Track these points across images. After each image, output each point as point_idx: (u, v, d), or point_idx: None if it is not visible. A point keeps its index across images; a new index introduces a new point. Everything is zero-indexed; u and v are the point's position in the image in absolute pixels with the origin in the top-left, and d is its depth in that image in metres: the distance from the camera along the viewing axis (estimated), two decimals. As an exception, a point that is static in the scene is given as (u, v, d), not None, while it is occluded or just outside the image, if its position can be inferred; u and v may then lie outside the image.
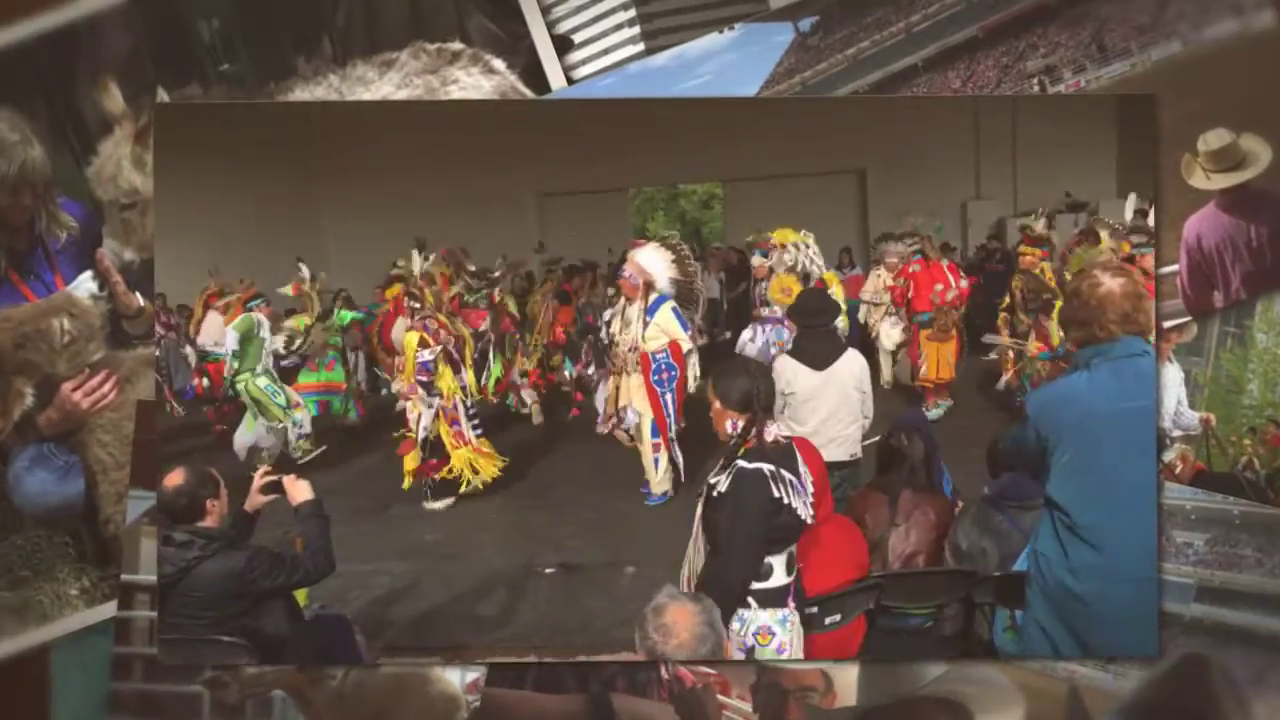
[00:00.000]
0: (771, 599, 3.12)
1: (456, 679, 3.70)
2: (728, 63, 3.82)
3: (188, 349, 8.31)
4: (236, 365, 7.29)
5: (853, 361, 4.94)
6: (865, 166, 9.65)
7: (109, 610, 3.71)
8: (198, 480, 3.61)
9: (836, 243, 8.68)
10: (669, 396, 6.49)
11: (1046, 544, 3.14)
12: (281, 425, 7.35)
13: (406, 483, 6.72)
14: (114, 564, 3.71)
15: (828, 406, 4.83)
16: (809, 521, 3.14)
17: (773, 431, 3.12)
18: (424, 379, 6.60)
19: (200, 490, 3.59)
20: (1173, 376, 3.74)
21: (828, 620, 3.61)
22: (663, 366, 6.52)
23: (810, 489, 3.13)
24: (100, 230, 3.75)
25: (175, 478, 3.60)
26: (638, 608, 2.79)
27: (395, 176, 8.99)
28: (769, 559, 3.10)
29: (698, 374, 6.65)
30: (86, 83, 3.71)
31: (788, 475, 3.05)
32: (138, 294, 3.74)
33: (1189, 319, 3.74)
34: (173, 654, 3.60)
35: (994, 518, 3.84)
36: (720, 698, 3.65)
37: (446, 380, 6.63)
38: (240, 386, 7.30)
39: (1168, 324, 3.73)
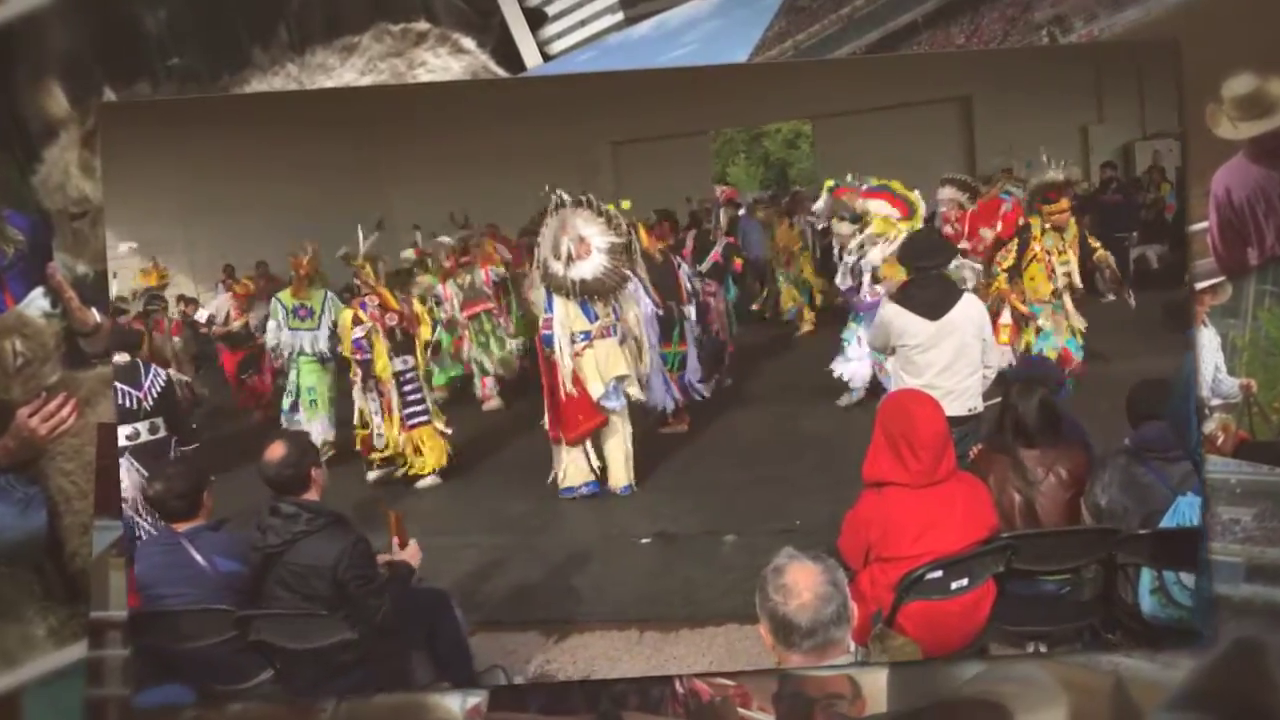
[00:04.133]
0: None
1: (456, 705, 3.51)
2: (713, 30, 3.62)
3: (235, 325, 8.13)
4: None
5: (970, 306, 4.58)
6: (971, 93, 9.00)
7: (79, 651, 3.50)
8: (301, 449, 3.56)
9: (940, 179, 8.15)
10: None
11: None
12: None
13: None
14: (82, 600, 3.51)
15: (944, 358, 4.48)
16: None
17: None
18: (359, 358, 6.44)
19: (305, 458, 3.52)
20: (1209, 341, 3.57)
21: (954, 585, 3.39)
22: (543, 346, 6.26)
23: None
24: (50, 243, 3.60)
25: (278, 449, 3.50)
26: (739, 577, 2.66)
27: (455, 135, 8.56)
28: None
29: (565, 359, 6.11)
30: (27, 85, 3.54)
31: None
32: (93, 309, 3.59)
33: (1223, 278, 3.56)
34: (275, 632, 3.48)
35: (1136, 471, 3.62)
36: (740, 710, 3.50)
37: (381, 361, 6.44)
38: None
39: (1200, 285, 3.56)
